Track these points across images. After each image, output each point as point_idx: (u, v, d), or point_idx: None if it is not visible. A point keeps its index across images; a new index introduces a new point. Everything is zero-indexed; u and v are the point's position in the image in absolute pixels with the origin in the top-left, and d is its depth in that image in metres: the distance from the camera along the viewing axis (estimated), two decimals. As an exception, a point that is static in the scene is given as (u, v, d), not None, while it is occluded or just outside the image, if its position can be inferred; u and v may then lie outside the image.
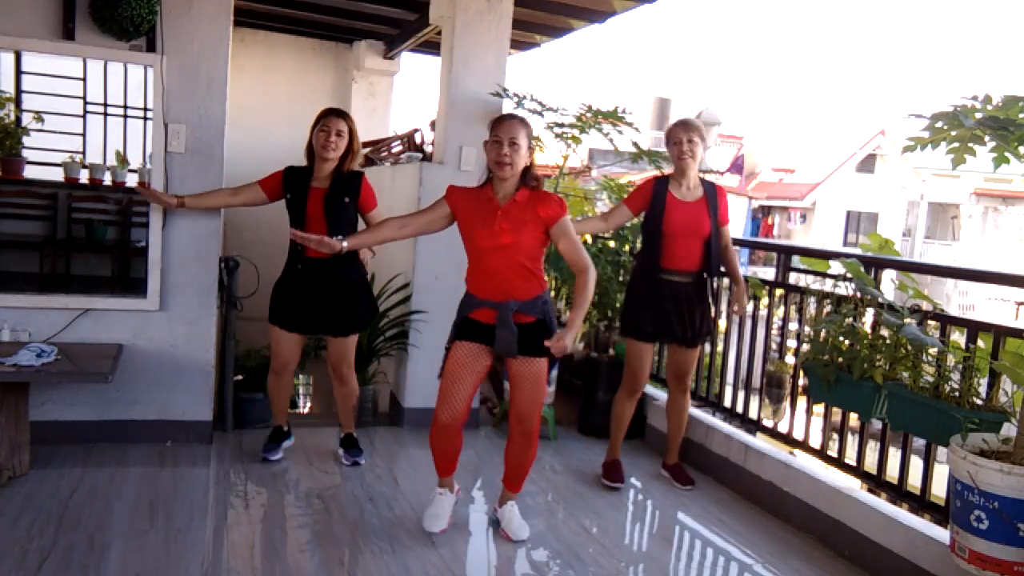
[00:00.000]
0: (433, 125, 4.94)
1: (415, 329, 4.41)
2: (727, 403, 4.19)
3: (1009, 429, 2.46)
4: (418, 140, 5.64)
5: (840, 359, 2.99)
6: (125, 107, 4.85)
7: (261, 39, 7.10)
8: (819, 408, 3.46)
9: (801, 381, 3.66)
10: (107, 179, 4.92)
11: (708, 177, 3.73)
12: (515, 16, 4.52)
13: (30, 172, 4.91)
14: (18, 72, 4.77)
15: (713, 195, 3.65)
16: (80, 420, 3.74)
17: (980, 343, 2.86)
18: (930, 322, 2.98)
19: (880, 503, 3.13)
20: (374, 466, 3.84)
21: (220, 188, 3.76)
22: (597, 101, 4.44)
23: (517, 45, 5.82)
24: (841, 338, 3.01)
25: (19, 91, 4.80)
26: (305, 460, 3.85)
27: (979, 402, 2.62)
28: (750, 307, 4.10)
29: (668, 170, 3.89)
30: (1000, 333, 2.78)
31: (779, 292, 3.96)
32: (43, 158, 4.90)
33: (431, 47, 6.24)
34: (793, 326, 3.83)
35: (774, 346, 4.02)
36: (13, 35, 3.56)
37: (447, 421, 3.01)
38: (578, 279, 2.91)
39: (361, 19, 6.10)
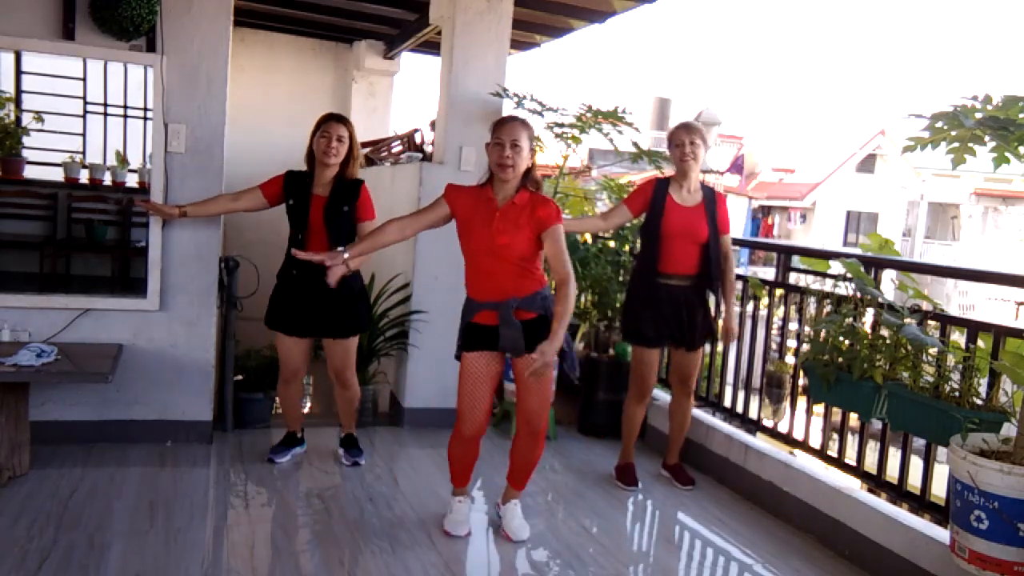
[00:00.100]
0: (433, 125, 4.94)
1: (415, 329, 4.41)
2: (727, 403, 4.19)
3: (1009, 429, 2.46)
4: (418, 140, 5.64)
5: (840, 359, 2.99)
6: (125, 107, 4.85)
7: (261, 39, 7.11)
8: (819, 408, 3.46)
9: (801, 381, 3.66)
10: (107, 179, 4.91)
11: (708, 177, 3.73)
12: (515, 16, 4.52)
13: (30, 172, 4.91)
14: (18, 72, 4.77)
15: (712, 201, 3.66)
16: (80, 420, 3.74)
17: (980, 343, 2.86)
18: (930, 322, 2.98)
19: (880, 503, 3.13)
20: (374, 466, 3.84)
21: (221, 194, 3.75)
22: (597, 101, 4.44)
23: (517, 45, 5.82)
24: (841, 338, 3.01)
25: (19, 91, 4.80)
26: (305, 460, 3.85)
27: (979, 402, 2.62)
28: (750, 307, 4.10)
29: (668, 170, 3.90)
30: (1000, 333, 2.78)
31: (779, 292, 3.96)
32: (43, 158, 4.90)
33: (431, 47, 6.24)
34: (793, 326, 3.83)
35: (774, 346, 4.02)
36: (13, 35, 3.56)
37: (472, 433, 3.05)
38: (559, 290, 2.88)
39: (361, 19, 6.10)
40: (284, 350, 3.68)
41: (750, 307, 4.11)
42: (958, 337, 2.96)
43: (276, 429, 4.09)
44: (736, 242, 4.05)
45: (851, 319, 3.03)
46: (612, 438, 4.24)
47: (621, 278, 4.64)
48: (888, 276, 3.35)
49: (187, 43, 3.72)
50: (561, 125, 4.50)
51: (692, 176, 3.64)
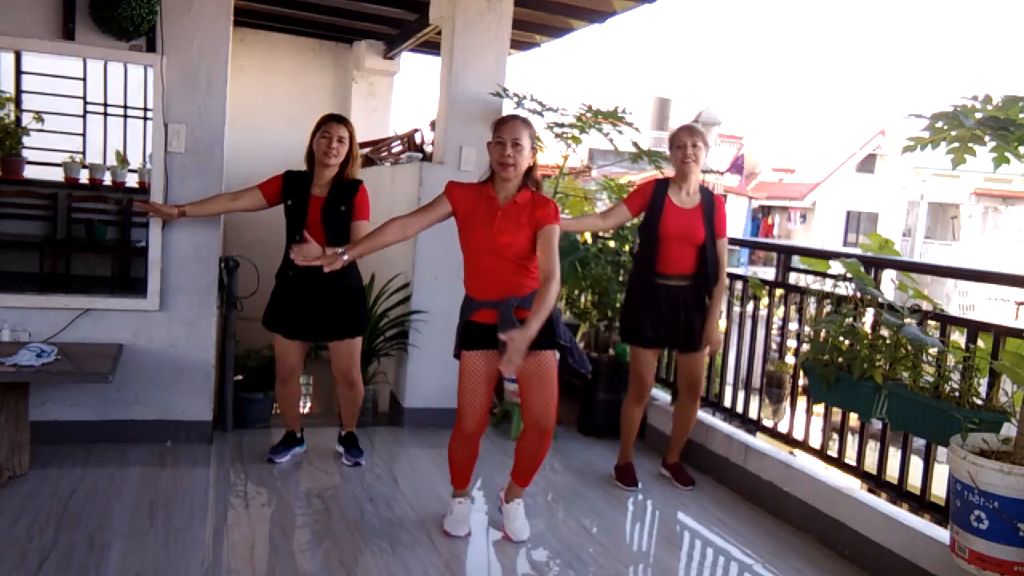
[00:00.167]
0: (433, 125, 4.94)
1: (415, 329, 4.41)
2: (727, 403, 4.19)
3: (1009, 429, 2.46)
4: (418, 140, 5.64)
5: (840, 359, 2.99)
6: (125, 107, 4.85)
7: (261, 39, 7.11)
8: (819, 408, 3.46)
9: (801, 381, 3.66)
10: (107, 179, 4.92)
11: (708, 177, 3.73)
12: (515, 16, 4.52)
13: (30, 172, 4.91)
14: (18, 72, 4.77)
15: (710, 204, 3.66)
16: (80, 420, 3.74)
17: (980, 343, 2.85)
18: (930, 322, 2.98)
19: (880, 503, 3.13)
20: (374, 466, 3.84)
21: (220, 194, 3.75)
22: (597, 101, 4.44)
23: (517, 45, 5.82)
24: (841, 338, 3.01)
25: (19, 91, 4.80)
26: (305, 460, 3.85)
27: (979, 402, 2.62)
28: (750, 307, 4.10)
29: (668, 170, 3.90)
30: (1000, 333, 2.78)
31: (779, 292, 3.96)
32: (43, 158, 4.90)
33: (431, 47, 6.24)
34: (793, 326, 3.82)
35: (774, 346, 4.02)
36: (13, 35, 3.56)
37: (472, 430, 3.04)
38: (541, 286, 2.84)
39: (361, 19, 6.10)
40: (281, 350, 3.69)
41: (750, 307, 4.11)
42: (958, 337, 2.96)
43: (276, 429, 4.09)
44: (736, 242, 4.05)
45: (851, 319, 3.03)
46: (612, 438, 4.24)
47: (621, 278, 4.64)
48: (888, 276, 3.35)
49: (187, 43, 3.72)
50: (561, 125, 4.50)
51: (692, 178, 3.64)
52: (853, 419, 3.31)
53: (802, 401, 3.68)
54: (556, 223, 2.93)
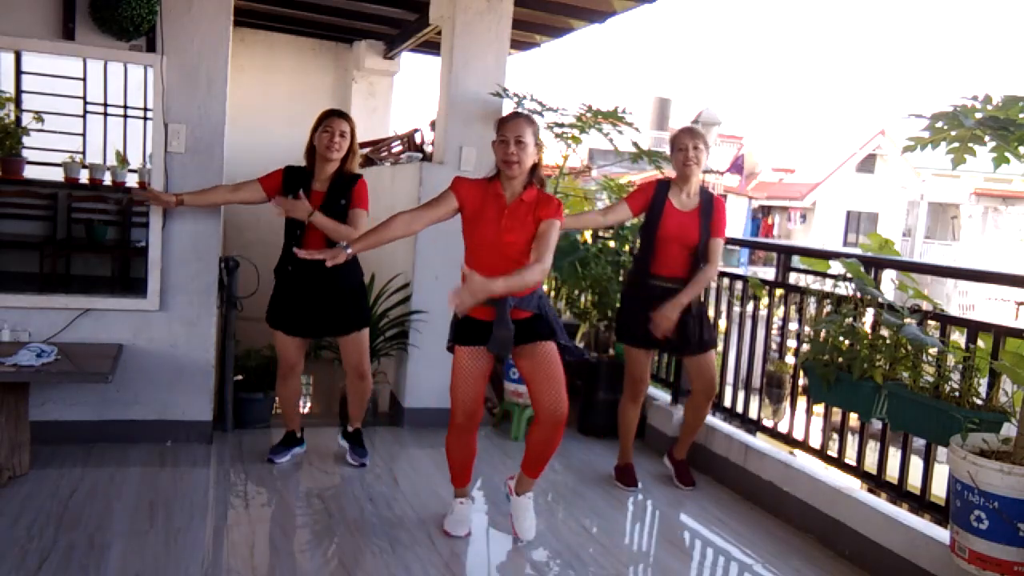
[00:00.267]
0: (433, 125, 4.94)
1: (415, 329, 4.41)
2: (727, 403, 4.19)
3: (1009, 429, 2.46)
4: (418, 140, 5.64)
5: (840, 359, 2.99)
6: (125, 107, 4.85)
7: (261, 39, 7.11)
8: (819, 408, 3.46)
9: (801, 381, 3.66)
10: (107, 179, 4.92)
11: (708, 178, 3.73)
12: (515, 16, 4.52)
13: (30, 172, 4.91)
14: (18, 72, 4.77)
15: (709, 207, 3.65)
16: (80, 420, 3.74)
17: (980, 343, 2.85)
18: (930, 322, 2.98)
19: (880, 503, 3.13)
20: (374, 466, 3.84)
21: (219, 185, 3.76)
22: (597, 101, 4.44)
23: (517, 45, 5.82)
24: (841, 338, 3.01)
25: (19, 91, 4.80)
26: (305, 460, 3.85)
27: (979, 402, 2.62)
28: (750, 307, 4.10)
29: (668, 171, 3.90)
30: (1000, 333, 2.78)
31: (779, 292, 3.96)
32: (43, 158, 4.90)
33: (431, 47, 6.24)
34: (793, 326, 3.82)
35: (774, 346, 4.02)
36: (13, 35, 3.56)
37: (463, 421, 3.04)
38: (528, 265, 2.82)
39: (361, 19, 6.10)
40: (281, 346, 3.70)
41: (750, 307, 4.11)
42: (958, 337, 2.96)
43: (276, 429, 4.09)
44: (736, 242, 4.05)
45: (851, 319, 3.03)
46: (612, 438, 4.24)
47: (621, 278, 4.64)
48: (888, 276, 3.35)
49: (187, 43, 3.72)
50: (561, 125, 4.50)
51: (693, 181, 3.64)
52: (853, 419, 3.31)
53: (802, 401, 3.68)
54: (557, 219, 2.93)
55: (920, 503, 3.08)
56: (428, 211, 3.03)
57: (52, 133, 4.84)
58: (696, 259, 3.61)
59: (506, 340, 2.92)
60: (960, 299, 21.85)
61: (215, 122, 3.79)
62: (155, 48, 3.67)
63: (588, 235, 5.30)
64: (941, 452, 2.81)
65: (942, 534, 2.80)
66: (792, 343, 3.80)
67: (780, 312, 4.05)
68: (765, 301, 4.04)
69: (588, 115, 4.42)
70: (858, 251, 3.51)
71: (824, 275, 3.53)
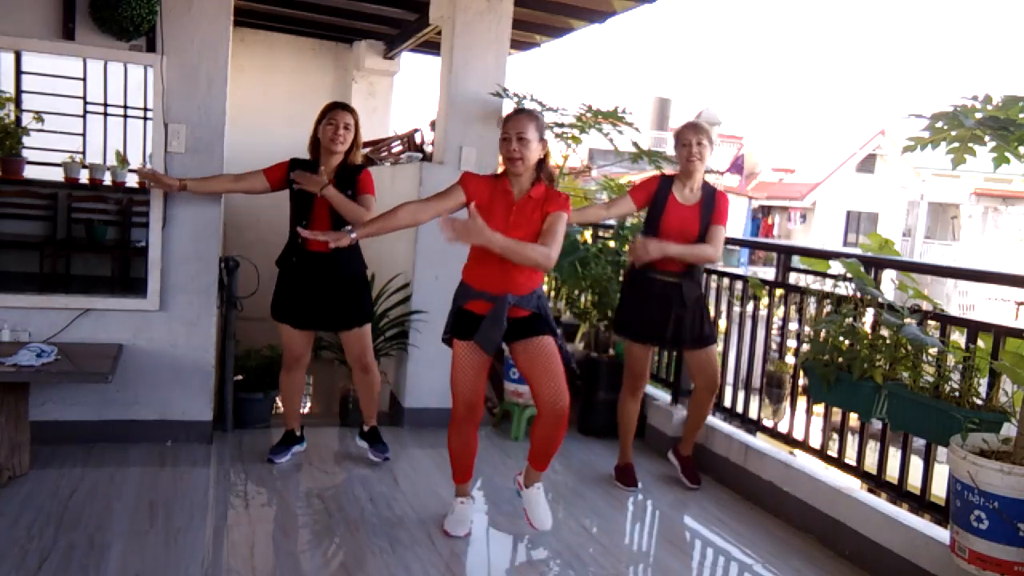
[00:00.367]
0: (433, 125, 4.94)
1: (415, 329, 4.41)
2: (727, 403, 4.19)
3: (1009, 429, 2.46)
4: (418, 140, 5.64)
5: (840, 359, 2.99)
6: (125, 107, 4.85)
7: (261, 39, 7.10)
8: (819, 408, 3.46)
9: (801, 381, 3.66)
10: (107, 179, 4.91)
11: (708, 178, 3.73)
12: (515, 16, 4.52)
13: (30, 172, 4.91)
14: (18, 72, 4.77)
15: (710, 200, 3.65)
16: (80, 420, 3.74)
17: (980, 343, 2.85)
18: (930, 322, 2.98)
19: (880, 503, 3.13)
20: (374, 466, 3.84)
21: (223, 174, 3.76)
22: (597, 101, 4.44)
23: (517, 45, 5.82)
24: (841, 338, 3.01)
25: (19, 91, 4.80)
26: (305, 460, 3.85)
27: (979, 402, 2.61)
28: (750, 307, 4.10)
29: (668, 170, 3.90)
30: (1000, 333, 2.78)
31: (779, 292, 3.96)
32: (43, 158, 4.90)
33: (431, 47, 6.24)
34: (793, 326, 3.82)
35: (774, 346, 4.02)
36: (13, 35, 3.56)
37: (463, 413, 3.06)
38: (536, 246, 2.85)
39: (361, 19, 6.10)
40: (287, 338, 3.70)
41: (750, 307, 4.11)
42: (958, 337, 2.96)
43: (276, 429, 4.09)
44: (736, 242, 4.05)
45: (851, 319, 3.03)
46: (612, 438, 4.24)
47: (621, 278, 4.64)
48: (888, 276, 3.35)
49: (187, 43, 3.72)
50: (561, 125, 4.50)
51: (696, 176, 3.64)
52: (853, 419, 3.31)
53: (802, 401, 3.68)
54: (563, 211, 2.94)
55: (920, 503, 3.08)
56: (435, 203, 3.03)
57: (52, 133, 4.83)
58: None
59: (492, 337, 2.93)
60: (960, 299, 21.85)
61: (215, 122, 3.79)
62: (155, 48, 3.67)
63: (588, 235, 5.30)
64: (941, 452, 2.81)
65: (942, 534, 2.80)
66: (792, 343, 3.80)
67: (780, 312, 4.05)
68: (765, 301, 4.04)
69: (588, 115, 4.43)
70: (858, 251, 3.51)
71: (824, 275, 3.53)
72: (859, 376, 2.87)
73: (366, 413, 3.93)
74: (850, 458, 3.45)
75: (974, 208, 27.87)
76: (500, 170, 3.10)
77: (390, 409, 4.71)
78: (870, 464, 3.41)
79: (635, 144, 4.65)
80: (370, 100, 7.25)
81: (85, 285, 4.66)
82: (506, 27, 4.44)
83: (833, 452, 3.55)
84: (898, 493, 3.20)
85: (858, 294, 3.08)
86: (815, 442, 3.67)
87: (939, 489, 3.02)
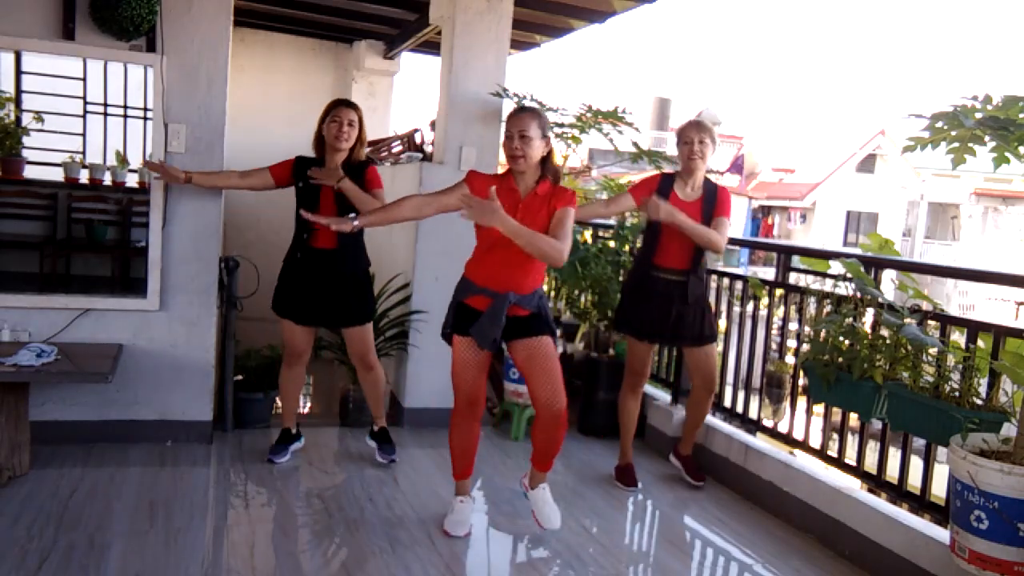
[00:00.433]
0: (433, 125, 4.94)
1: (415, 329, 4.41)
2: (727, 403, 4.19)
3: (1009, 429, 2.46)
4: (418, 140, 5.63)
5: (840, 359, 2.99)
6: (125, 107, 4.85)
7: (261, 39, 7.10)
8: (819, 408, 3.46)
9: (801, 381, 3.66)
10: (107, 179, 4.91)
11: (709, 177, 3.73)
12: (515, 16, 4.52)
13: (30, 172, 4.91)
14: (18, 72, 4.77)
15: (712, 196, 3.65)
16: (80, 420, 3.74)
17: (980, 343, 2.85)
18: (930, 322, 2.98)
19: (880, 503, 3.13)
20: (374, 466, 3.84)
21: (229, 170, 3.75)
22: (597, 101, 4.45)
23: (517, 45, 5.81)
24: (841, 338, 3.01)
25: (19, 91, 4.80)
26: (305, 460, 3.85)
27: (979, 402, 2.61)
28: (750, 307, 4.10)
29: (668, 170, 3.90)
30: (1000, 333, 2.78)
31: (779, 292, 3.96)
32: (43, 158, 4.90)
33: (431, 47, 6.24)
34: (793, 326, 3.82)
35: (774, 346, 4.02)
36: (13, 35, 3.56)
37: (465, 408, 3.09)
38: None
39: (361, 19, 6.10)
40: (289, 334, 3.71)
41: (750, 307, 4.11)
42: (958, 337, 2.96)
43: (276, 429, 4.08)
44: (736, 242, 4.04)
45: (851, 319, 3.03)
46: (612, 438, 4.24)
47: (621, 278, 4.64)
48: (888, 276, 3.35)
49: (187, 43, 3.72)
50: (561, 125, 4.50)
51: (697, 175, 3.64)
52: (853, 419, 3.31)
53: (802, 401, 3.68)
54: (571, 206, 2.96)
55: (920, 503, 3.08)
56: (440, 198, 3.05)
57: (52, 133, 4.84)
58: (697, 251, 3.62)
59: (489, 333, 2.93)
60: (960, 299, 21.85)
61: (215, 122, 3.79)
62: (155, 48, 3.67)
63: (588, 235, 5.30)
64: (941, 452, 2.81)
65: (942, 534, 2.80)
66: (792, 343, 3.80)
67: (780, 312, 4.05)
68: (765, 301, 4.04)
69: (588, 115, 4.43)
70: (858, 251, 3.51)
71: (824, 275, 3.53)
72: (859, 376, 2.87)
73: (375, 413, 3.93)
74: (850, 458, 3.45)
75: (974, 208, 27.87)
76: (502, 170, 3.11)
77: (390, 409, 4.70)
78: (870, 464, 3.41)
79: (635, 144, 4.65)
80: (370, 100, 7.25)
81: (85, 285, 4.67)
82: (506, 27, 4.44)
83: (833, 452, 3.55)
84: (898, 493, 3.20)
85: (858, 294, 3.08)
86: (815, 442, 3.67)
87: (939, 489, 3.02)
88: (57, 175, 4.86)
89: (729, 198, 3.69)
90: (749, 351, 4.10)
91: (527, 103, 4.36)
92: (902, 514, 3.02)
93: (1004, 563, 2.28)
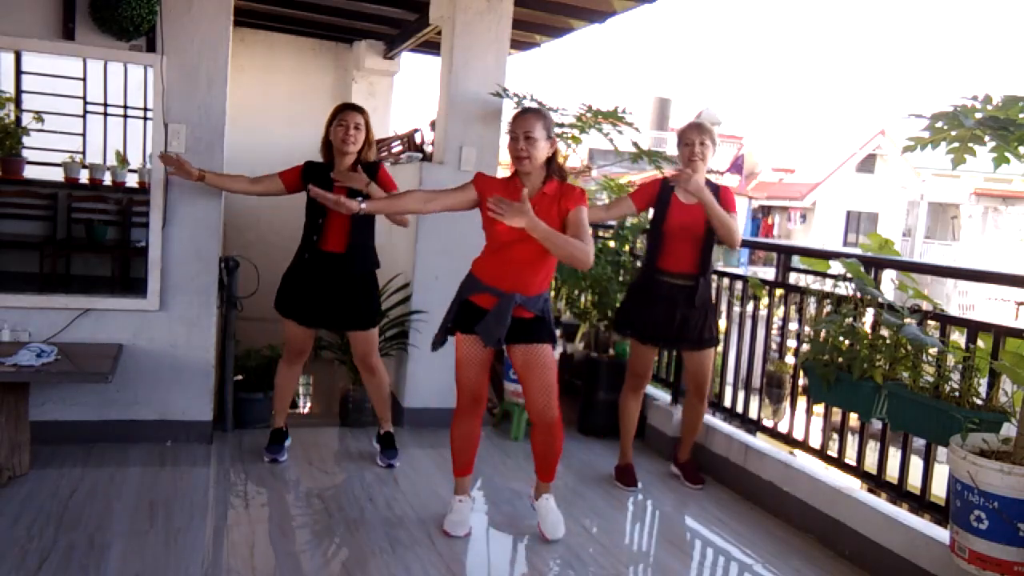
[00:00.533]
0: (433, 125, 4.94)
1: (415, 329, 4.41)
2: (727, 403, 4.19)
3: (1009, 429, 2.46)
4: (418, 140, 5.63)
5: (840, 359, 2.99)
6: (125, 107, 4.85)
7: (261, 39, 7.10)
8: (819, 408, 3.46)
9: (801, 381, 3.66)
10: (107, 179, 4.92)
11: (710, 178, 3.73)
12: (515, 16, 4.52)
13: (30, 172, 4.91)
14: (18, 72, 4.77)
15: (715, 196, 3.65)
16: (80, 420, 3.74)
17: (980, 343, 2.85)
18: (930, 322, 2.98)
19: (880, 503, 3.13)
20: (374, 466, 3.84)
21: (242, 175, 3.73)
22: (597, 101, 4.44)
23: (517, 45, 5.81)
24: (841, 338, 3.01)
25: (19, 91, 4.80)
26: (305, 460, 3.85)
27: (979, 402, 2.61)
28: (750, 307, 4.10)
29: (668, 171, 3.90)
30: (1000, 333, 2.78)
31: (779, 292, 3.96)
32: (43, 158, 4.90)
33: (431, 47, 6.24)
34: (793, 326, 3.82)
35: (774, 346, 4.02)
36: (13, 35, 3.56)
37: (468, 405, 3.11)
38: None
39: (361, 19, 6.10)
40: (291, 333, 3.71)
41: (750, 307, 4.11)
42: (958, 337, 2.96)
43: (276, 429, 4.09)
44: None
45: (851, 319, 3.03)
46: (612, 438, 4.24)
47: (621, 278, 4.64)
48: (888, 276, 3.35)
49: (187, 43, 3.72)
50: (561, 125, 4.49)
51: (698, 176, 3.64)
52: (853, 419, 3.31)
53: (802, 401, 3.68)
54: (581, 205, 2.96)
55: (920, 503, 3.08)
56: (445, 195, 3.08)
57: (52, 133, 4.84)
58: (704, 254, 3.62)
59: (495, 331, 2.94)
60: (960, 299, 21.85)
61: (215, 122, 3.79)
62: (155, 48, 3.67)
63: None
64: (941, 452, 2.81)
65: (942, 534, 2.80)
66: (792, 343, 3.80)
67: (780, 312, 4.05)
68: (765, 301, 4.04)
69: (588, 115, 4.42)
70: (858, 251, 3.51)
71: (824, 275, 3.53)
72: (859, 376, 2.87)
73: (380, 416, 3.93)
74: (850, 458, 3.45)
75: (974, 208, 27.87)
76: (502, 172, 3.11)
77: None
78: (870, 464, 3.41)
79: (635, 144, 4.65)
80: (370, 100, 7.24)
81: (85, 285, 4.67)
82: (506, 27, 4.44)
83: (833, 452, 3.55)
84: (898, 493, 3.20)
85: (858, 294, 3.08)
86: (815, 442, 3.67)
87: (939, 489, 3.02)
88: (57, 175, 4.86)
89: (732, 196, 3.69)
90: (749, 351, 4.09)
91: (527, 103, 4.36)
92: (902, 514, 3.02)
93: (1004, 563, 2.28)
